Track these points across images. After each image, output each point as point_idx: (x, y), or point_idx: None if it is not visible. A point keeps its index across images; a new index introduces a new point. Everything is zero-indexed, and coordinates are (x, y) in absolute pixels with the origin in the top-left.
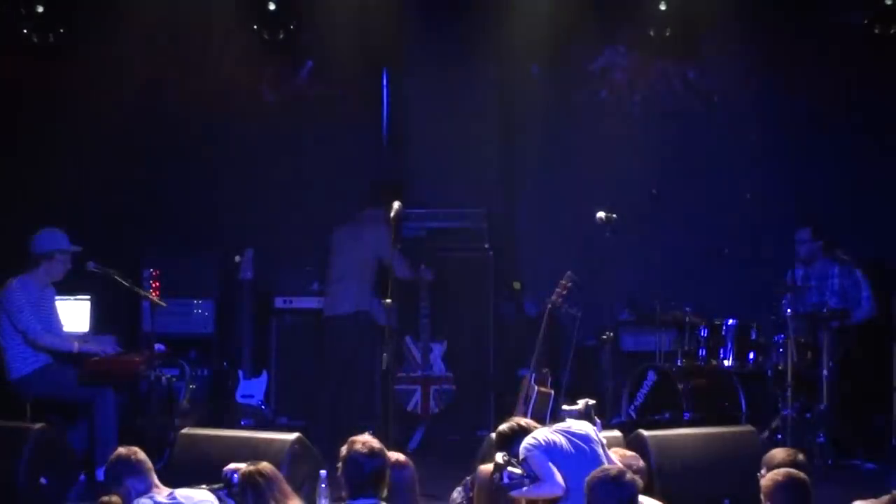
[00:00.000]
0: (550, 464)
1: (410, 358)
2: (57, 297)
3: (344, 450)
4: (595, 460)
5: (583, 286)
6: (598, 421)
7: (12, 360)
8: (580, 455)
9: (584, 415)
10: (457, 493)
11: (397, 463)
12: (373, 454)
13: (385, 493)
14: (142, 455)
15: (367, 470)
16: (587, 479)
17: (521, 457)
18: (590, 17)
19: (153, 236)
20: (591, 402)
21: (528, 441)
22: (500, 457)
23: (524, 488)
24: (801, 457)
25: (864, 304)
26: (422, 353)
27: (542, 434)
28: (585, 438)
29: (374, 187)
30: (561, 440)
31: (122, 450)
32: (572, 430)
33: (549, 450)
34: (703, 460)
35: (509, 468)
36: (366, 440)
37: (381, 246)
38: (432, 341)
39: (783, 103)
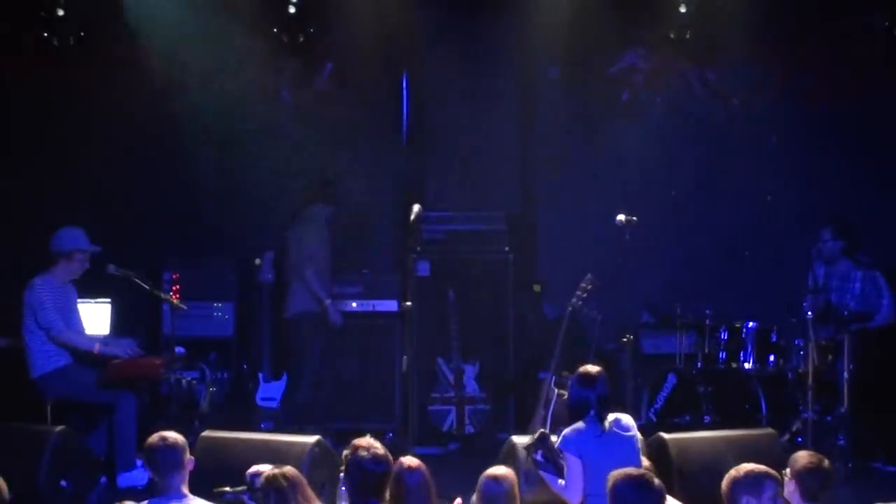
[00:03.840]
0: (579, 468)
1: (443, 379)
2: (79, 301)
3: (347, 453)
4: (625, 460)
5: (603, 289)
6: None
7: (35, 357)
8: (613, 456)
9: (539, 444)
10: (475, 497)
11: (409, 468)
12: (376, 459)
13: (388, 496)
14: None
15: (369, 474)
16: (609, 481)
17: (557, 445)
18: (610, 20)
19: (173, 239)
20: (544, 431)
21: (568, 434)
22: (543, 434)
23: (548, 475)
24: (826, 461)
25: (883, 309)
26: (454, 374)
27: (582, 433)
28: (628, 439)
29: (309, 184)
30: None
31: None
32: (621, 422)
33: (582, 451)
34: (724, 463)
35: (546, 450)
36: (369, 444)
37: (301, 245)
38: (464, 363)
39: (803, 105)
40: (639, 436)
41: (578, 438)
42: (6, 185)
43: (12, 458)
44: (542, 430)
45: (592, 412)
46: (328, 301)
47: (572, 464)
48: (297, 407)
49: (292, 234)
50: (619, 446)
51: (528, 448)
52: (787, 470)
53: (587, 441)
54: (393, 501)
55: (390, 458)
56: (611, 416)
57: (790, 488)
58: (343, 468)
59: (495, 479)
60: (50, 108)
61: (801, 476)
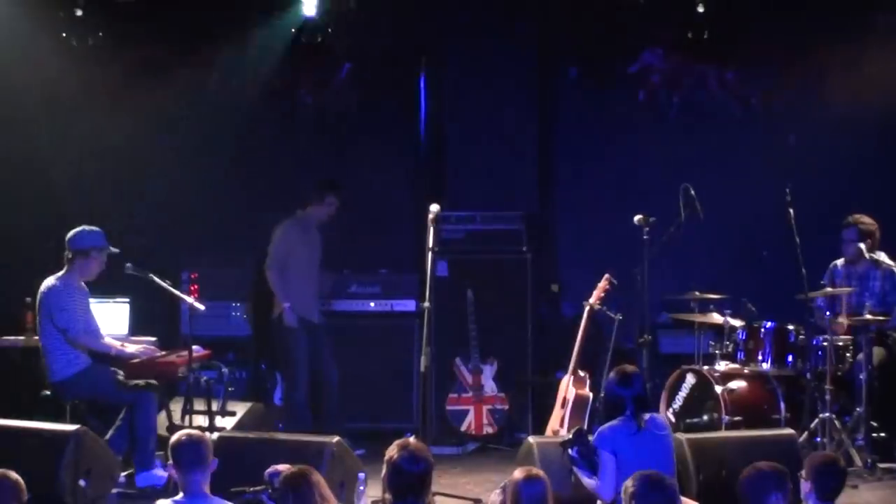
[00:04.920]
0: (612, 465)
1: (461, 379)
2: (96, 300)
3: (387, 454)
4: (659, 459)
5: (621, 288)
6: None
7: (54, 361)
8: (647, 455)
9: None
10: (495, 496)
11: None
12: (415, 459)
13: (430, 497)
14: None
15: (409, 475)
16: (625, 484)
17: (593, 442)
18: (628, 20)
19: (191, 239)
20: (581, 427)
21: (603, 431)
22: (580, 430)
23: (580, 471)
24: (841, 462)
25: None
26: (472, 374)
27: (617, 431)
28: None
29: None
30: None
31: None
32: (656, 421)
33: (616, 448)
34: (742, 464)
35: (580, 446)
36: (408, 444)
37: (270, 246)
38: (482, 362)
39: (822, 104)
40: (673, 435)
41: (613, 436)
42: (18, 183)
43: (31, 458)
44: (580, 426)
45: (628, 411)
46: (286, 304)
47: (606, 461)
48: (298, 407)
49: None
50: (653, 445)
51: (563, 444)
52: (803, 471)
53: (622, 438)
54: None
55: (430, 457)
56: (646, 416)
57: (806, 489)
58: (384, 469)
59: (535, 479)
60: (68, 108)
61: (817, 476)
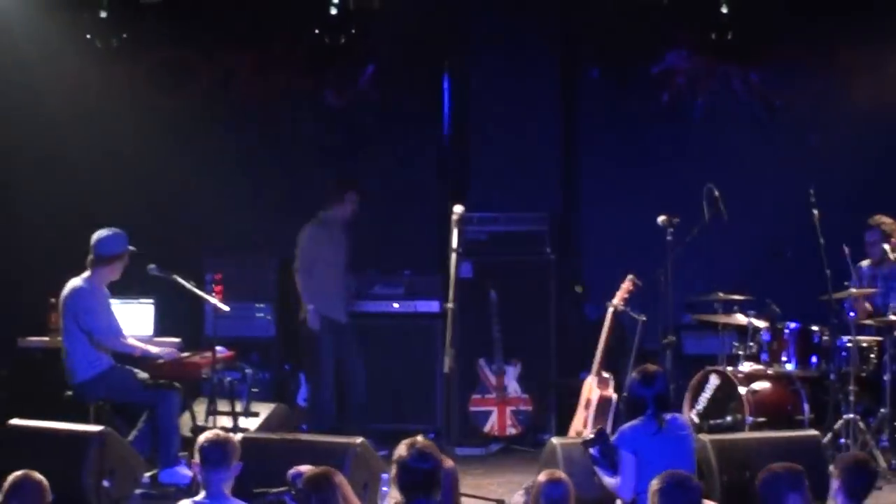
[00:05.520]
0: (633, 465)
1: (485, 380)
2: (120, 301)
3: (395, 453)
4: (680, 459)
5: (645, 289)
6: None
7: (77, 363)
8: (667, 455)
9: (597, 440)
10: (518, 497)
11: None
12: (422, 457)
13: (438, 495)
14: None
15: (417, 473)
16: (651, 484)
17: (613, 441)
18: (651, 21)
19: (215, 240)
20: (603, 427)
21: (624, 430)
22: (602, 429)
23: (601, 471)
24: (871, 462)
25: None
26: (496, 375)
27: (638, 430)
28: (683, 438)
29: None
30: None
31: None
32: (677, 421)
33: (637, 448)
34: (766, 465)
35: (601, 445)
36: (416, 443)
37: (296, 248)
38: (506, 364)
39: (845, 105)
40: (694, 435)
41: (634, 435)
42: (43, 184)
43: (55, 458)
44: (601, 426)
45: (649, 411)
46: (310, 307)
47: (626, 460)
48: (322, 408)
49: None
50: (674, 445)
51: (584, 443)
52: (832, 469)
53: (642, 438)
54: None
55: (438, 455)
56: (667, 416)
57: (835, 486)
58: (390, 469)
59: (557, 482)
60: (92, 109)
61: (847, 475)
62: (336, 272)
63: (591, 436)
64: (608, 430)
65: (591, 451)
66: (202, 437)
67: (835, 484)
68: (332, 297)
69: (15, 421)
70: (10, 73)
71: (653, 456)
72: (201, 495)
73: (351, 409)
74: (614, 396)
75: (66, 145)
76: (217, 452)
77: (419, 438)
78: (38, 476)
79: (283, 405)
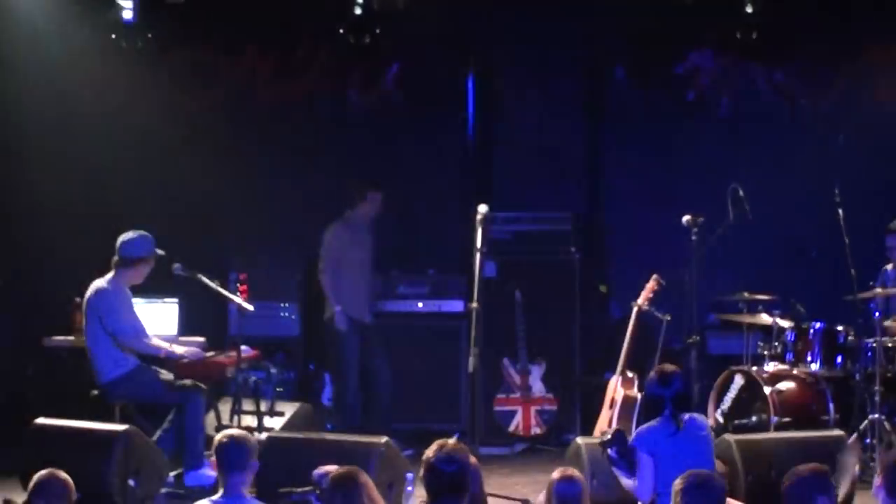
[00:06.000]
0: (650, 467)
1: (509, 379)
2: (144, 300)
3: (425, 453)
4: (698, 460)
5: (669, 289)
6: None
7: (103, 363)
8: (686, 456)
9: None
10: (543, 497)
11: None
12: (450, 459)
13: (465, 499)
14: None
15: (444, 475)
16: (674, 484)
17: (630, 442)
18: (676, 20)
19: (240, 240)
20: (620, 428)
21: (641, 432)
22: (619, 430)
23: (620, 472)
24: None
25: None
26: (520, 374)
27: (656, 431)
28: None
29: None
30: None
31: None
32: (695, 422)
33: (654, 450)
34: (791, 466)
35: (619, 446)
36: (445, 444)
37: (321, 248)
38: (530, 363)
39: (871, 104)
40: (713, 436)
41: (651, 436)
42: (69, 184)
43: (80, 458)
44: (618, 427)
45: (667, 411)
46: (337, 308)
47: (644, 462)
48: (347, 407)
49: None
50: (693, 446)
51: (602, 444)
52: (877, 464)
53: (660, 439)
54: None
55: (467, 457)
56: (685, 416)
57: (877, 483)
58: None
59: (570, 480)
60: (117, 109)
61: (889, 473)
62: (361, 272)
63: (609, 437)
64: (633, 429)
65: (609, 452)
66: (218, 438)
67: (877, 481)
68: (357, 298)
69: (40, 420)
70: (35, 74)
71: (671, 457)
72: (218, 494)
73: (376, 409)
74: (639, 396)
75: (92, 146)
76: (234, 452)
77: (449, 441)
78: (63, 475)
79: (308, 405)
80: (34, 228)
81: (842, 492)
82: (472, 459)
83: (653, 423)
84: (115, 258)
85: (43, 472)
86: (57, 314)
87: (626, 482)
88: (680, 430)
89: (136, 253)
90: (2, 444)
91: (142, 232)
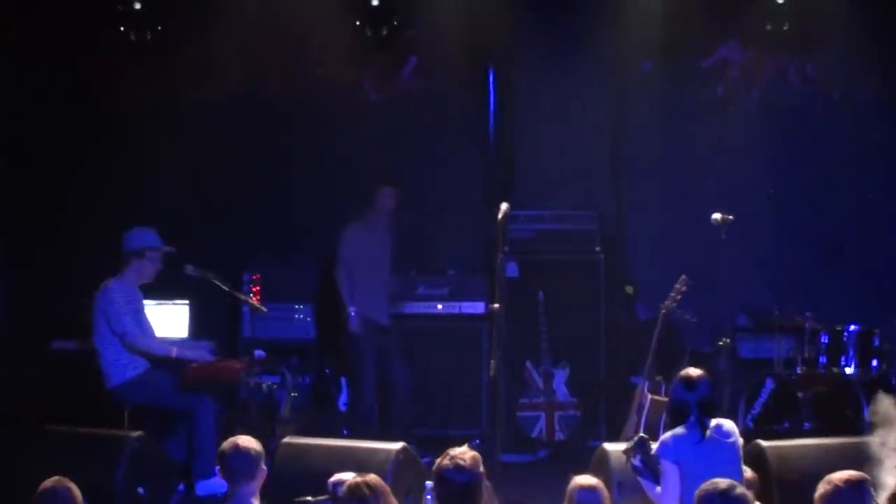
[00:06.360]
0: (676, 475)
1: (532, 383)
2: (154, 302)
3: (435, 464)
4: (725, 468)
5: (698, 290)
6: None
7: (111, 366)
8: (712, 464)
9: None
10: None
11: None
12: (459, 469)
13: None
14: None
15: (454, 485)
16: (696, 493)
17: (654, 451)
18: (703, 12)
19: (253, 239)
20: (644, 435)
21: (665, 440)
22: (642, 438)
23: (645, 482)
24: None
25: None
26: (543, 378)
27: (681, 439)
28: (729, 446)
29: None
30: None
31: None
32: (722, 428)
33: (679, 458)
34: (825, 472)
35: (644, 455)
36: (455, 454)
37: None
38: (554, 367)
39: None
40: (740, 442)
41: (676, 444)
42: (79, 183)
43: (88, 465)
44: (641, 434)
45: (693, 417)
46: (351, 310)
47: (669, 471)
48: (364, 413)
49: None
50: (720, 453)
51: (626, 452)
52: None
53: (685, 447)
54: None
55: (478, 467)
56: (712, 422)
57: None
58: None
59: (591, 489)
60: (126, 105)
61: None
62: (379, 273)
63: (631, 445)
64: (646, 436)
65: (633, 460)
66: (223, 446)
67: None
68: (374, 299)
69: (48, 425)
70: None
71: (697, 465)
72: None
73: (394, 415)
74: (667, 401)
75: (99, 140)
76: (239, 460)
77: (460, 449)
78: (69, 483)
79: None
80: (41, 228)
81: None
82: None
83: (678, 430)
84: (121, 256)
85: (49, 480)
86: (65, 316)
87: (652, 492)
88: (706, 437)
89: (134, 244)
90: (9, 450)
91: (142, 226)
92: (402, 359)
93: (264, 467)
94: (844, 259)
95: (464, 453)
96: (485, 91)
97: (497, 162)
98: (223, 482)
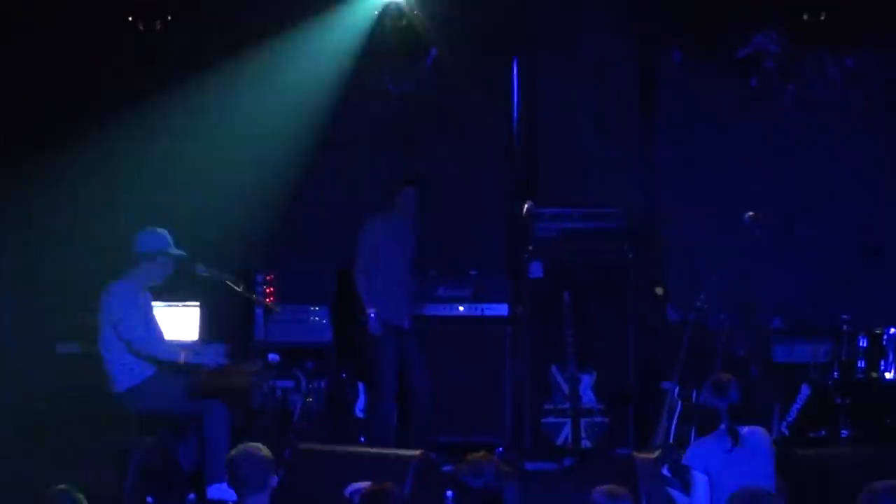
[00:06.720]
0: (706, 486)
1: (557, 389)
2: (163, 304)
3: (454, 470)
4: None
5: (731, 292)
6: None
7: (118, 371)
8: (744, 473)
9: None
10: None
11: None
12: (479, 474)
13: None
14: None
15: (471, 492)
16: (726, 501)
17: (683, 460)
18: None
19: (267, 238)
20: (672, 444)
21: (694, 448)
22: (670, 447)
23: (674, 492)
24: None
25: None
26: (569, 384)
27: (710, 448)
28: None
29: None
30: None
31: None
32: (754, 436)
33: (709, 467)
34: (864, 482)
35: (673, 464)
36: (475, 459)
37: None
38: (580, 372)
39: None
40: (773, 451)
41: (705, 453)
42: (85, 180)
43: (96, 473)
44: (669, 443)
45: (723, 424)
46: (370, 311)
47: (698, 480)
48: (383, 419)
49: None
50: (751, 462)
51: (654, 462)
52: None
53: (715, 456)
54: None
55: (499, 473)
56: (743, 430)
57: None
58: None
59: (617, 497)
60: (135, 97)
61: None
62: (400, 272)
63: (660, 454)
64: (673, 444)
65: (661, 470)
66: (231, 454)
67: None
68: (394, 300)
69: (55, 433)
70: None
71: (728, 475)
72: None
73: (414, 421)
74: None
75: (107, 137)
76: (248, 469)
77: (478, 454)
78: (76, 493)
79: None
80: (45, 227)
81: None
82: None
83: (707, 438)
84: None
85: (54, 489)
86: (71, 318)
87: (681, 502)
88: (737, 444)
89: (146, 247)
90: (13, 457)
91: (154, 227)
92: (422, 363)
93: (275, 476)
94: (884, 259)
95: (483, 458)
96: (508, 83)
97: (521, 157)
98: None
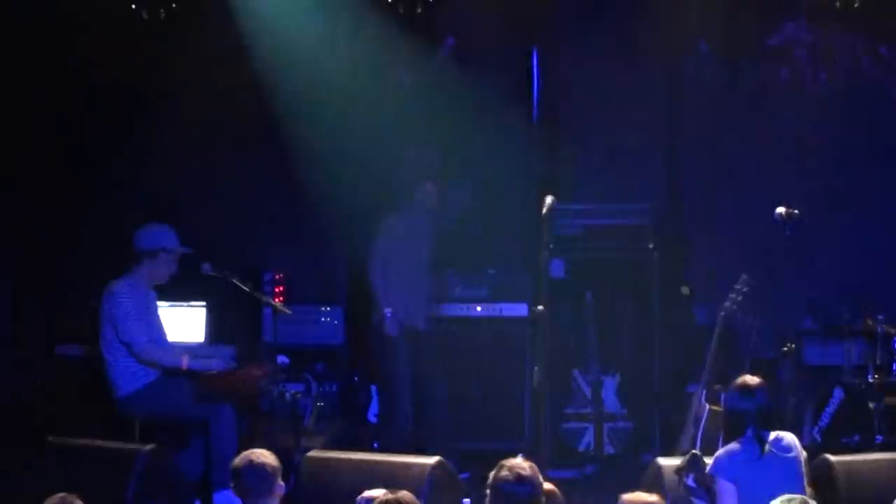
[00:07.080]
0: (733, 495)
1: (579, 393)
2: (168, 304)
3: (490, 476)
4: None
5: (760, 291)
6: None
7: (119, 375)
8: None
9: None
10: None
11: (550, 493)
12: (520, 480)
13: None
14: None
15: (511, 497)
16: None
17: (709, 469)
18: None
19: (276, 236)
20: (696, 452)
21: (720, 456)
22: (695, 455)
23: (698, 502)
24: None
25: None
26: (592, 388)
27: (737, 455)
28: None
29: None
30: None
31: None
32: (782, 442)
33: (736, 476)
34: None
35: (698, 473)
36: (514, 464)
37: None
38: (603, 375)
39: None
40: (803, 457)
41: (732, 461)
42: (86, 177)
43: (97, 480)
44: (693, 451)
45: (750, 430)
46: (386, 311)
47: (725, 490)
48: (396, 424)
49: None
50: (780, 470)
51: (678, 471)
52: None
53: (742, 464)
54: None
55: (538, 478)
56: (771, 435)
57: None
58: (487, 493)
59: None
60: (137, 89)
61: None
62: (416, 271)
63: (683, 463)
64: (699, 453)
65: (686, 480)
66: (236, 461)
67: None
68: (409, 300)
69: (55, 438)
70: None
71: (755, 484)
72: None
73: (428, 426)
74: None
75: (109, 132)
76: (254, 476)
77: (516, 459)
78: (76, 500)
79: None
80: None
81: None
82: (549, 486)
83: (734, 445)
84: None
85: (54, 497)
86: (72, 319)
87: None
88: (765, 452)
89: (148, 244)
90: (13, 463)
91: (159, 224)
92: (438, 365)
93: (282, 483)
94: None
95: (522, 463)
96: (528, 75)
97: (541, 151)
98: None
